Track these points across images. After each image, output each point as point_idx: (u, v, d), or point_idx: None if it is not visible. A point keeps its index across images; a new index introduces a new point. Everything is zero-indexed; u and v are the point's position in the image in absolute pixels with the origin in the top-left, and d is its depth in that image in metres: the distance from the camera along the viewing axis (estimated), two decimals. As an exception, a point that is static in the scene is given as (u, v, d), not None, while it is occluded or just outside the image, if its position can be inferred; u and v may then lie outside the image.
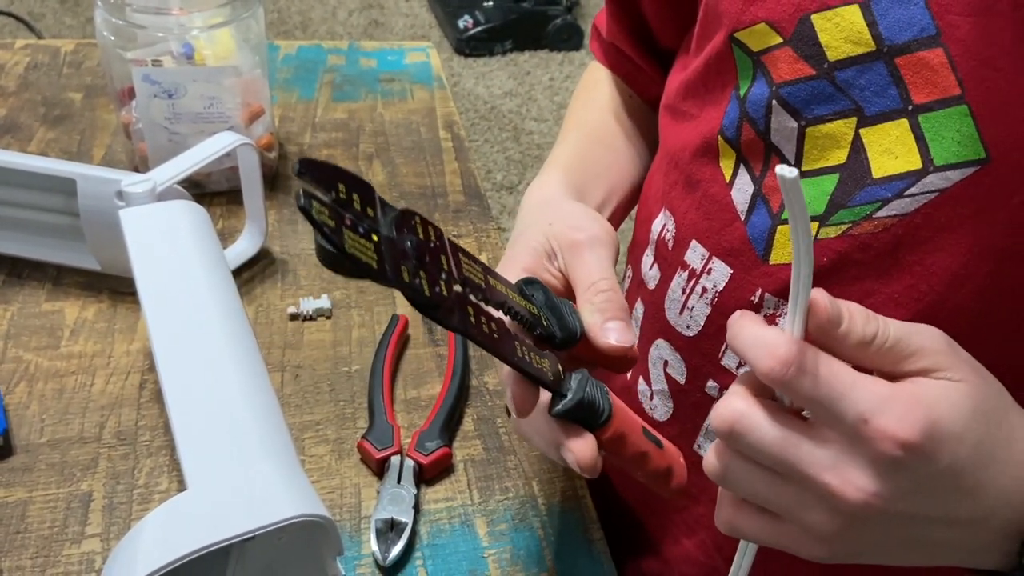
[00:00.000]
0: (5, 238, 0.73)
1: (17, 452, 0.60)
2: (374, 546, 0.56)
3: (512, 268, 0.47)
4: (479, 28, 2.86)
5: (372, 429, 0.63)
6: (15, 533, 0.55)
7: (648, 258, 0.61)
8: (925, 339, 0.35)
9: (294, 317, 0.74)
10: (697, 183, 0.54)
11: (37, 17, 2.72)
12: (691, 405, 0.57)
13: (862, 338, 0.34)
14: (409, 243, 0.34)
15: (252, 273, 0.78)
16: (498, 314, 0.39)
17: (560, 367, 0.42)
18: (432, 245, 0.35)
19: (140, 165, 0.83)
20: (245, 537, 0.44)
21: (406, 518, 0.57)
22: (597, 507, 0.62)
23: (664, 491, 0.47)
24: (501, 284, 0.40)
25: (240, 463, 0.47)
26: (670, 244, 0.57)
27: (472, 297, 0.37)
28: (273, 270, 0.79)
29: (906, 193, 0.44)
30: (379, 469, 0.61)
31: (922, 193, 0.44)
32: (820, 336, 0.34)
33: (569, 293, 0.47)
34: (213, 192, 0.86)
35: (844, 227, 0.46)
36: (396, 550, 0.55)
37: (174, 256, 0.59)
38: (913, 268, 0.45)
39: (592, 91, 0.73)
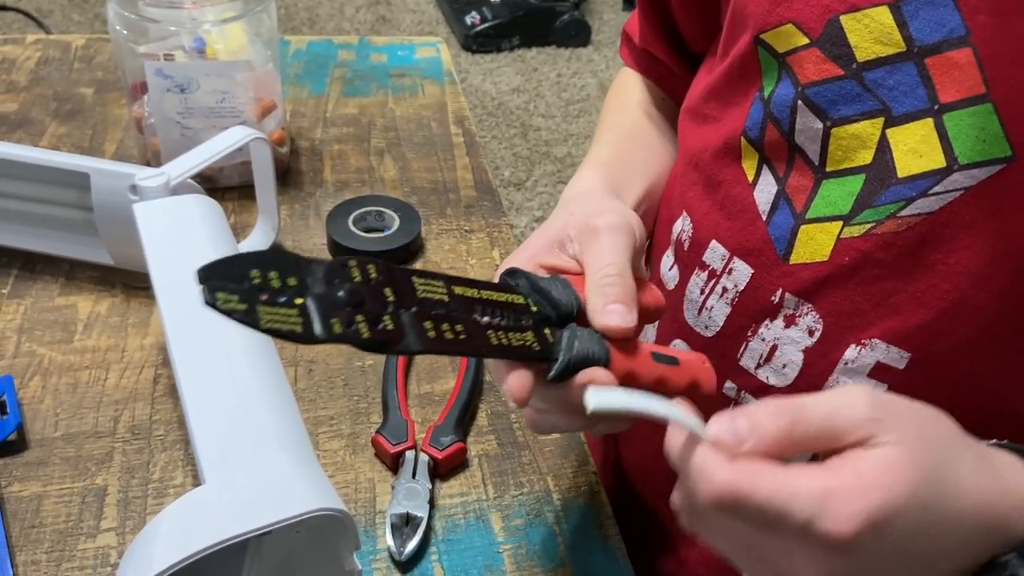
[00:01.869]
0: (18, 232, 0.73)
1: (31, 446, 0.60)
2: (389, 541, 0.56)
3: (521, 255, 0.48)
4: (486, 24, 2.85)
5: (386, 424, 0.63)
6: (30, 527, 0.55)
7: (668, 259, 0.61)
8: (848, 415, 0.35)
9: (307, 312, 0.74)
10: (718, 184, 0.54)
11: (46, 13, 2.73)
12: (709, 406, 0.54)
13: (777, 441, 0.34)
14: (342, 292, 0.34)
15: (264, 268, 0.78)
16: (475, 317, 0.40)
17: (548, 331, 0.43)
18: (372, 283, 0.36)
19: (152, 160, 0.83)
20: (262, 532, 0.43)
21: (421, 513, 0.57)
22: (613, 504, 0.62)
23: (696, 401, 0.47)
24: (473, 288, 0.41)
25: (256, 457, 0.47)
26: (686, 245, 0.57)
27: (434, 312, 0.38)
28: (285, 265, 0.79)
29: (930, 192, 0.44)
30: (394, 464, 0.61)
31: (946, 191, 0.44)
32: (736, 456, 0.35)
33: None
34: (225, 187, 0.85)
35: (868, 226, 0.46)
36: (412, 545, 0.55)
37: (188, 250, 0.59)
38: (936, 267, 0.45)
39: (624, 94, 0.73)
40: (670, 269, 0.60)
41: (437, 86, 1.08)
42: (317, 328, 0.33)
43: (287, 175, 0.89)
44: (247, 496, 0.44)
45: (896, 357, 0.47)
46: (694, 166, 0.58)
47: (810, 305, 0.49)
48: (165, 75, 0.76)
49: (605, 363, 0.43)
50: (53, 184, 0.70)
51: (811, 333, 0.50)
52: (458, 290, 0.40)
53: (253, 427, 0.48)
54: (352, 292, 0.34)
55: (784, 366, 0.51)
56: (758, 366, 0.53)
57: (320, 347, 0.70)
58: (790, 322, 0.50)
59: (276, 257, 0.33)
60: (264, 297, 0.32)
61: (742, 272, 0.52)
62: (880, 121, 0.45)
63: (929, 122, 0.43)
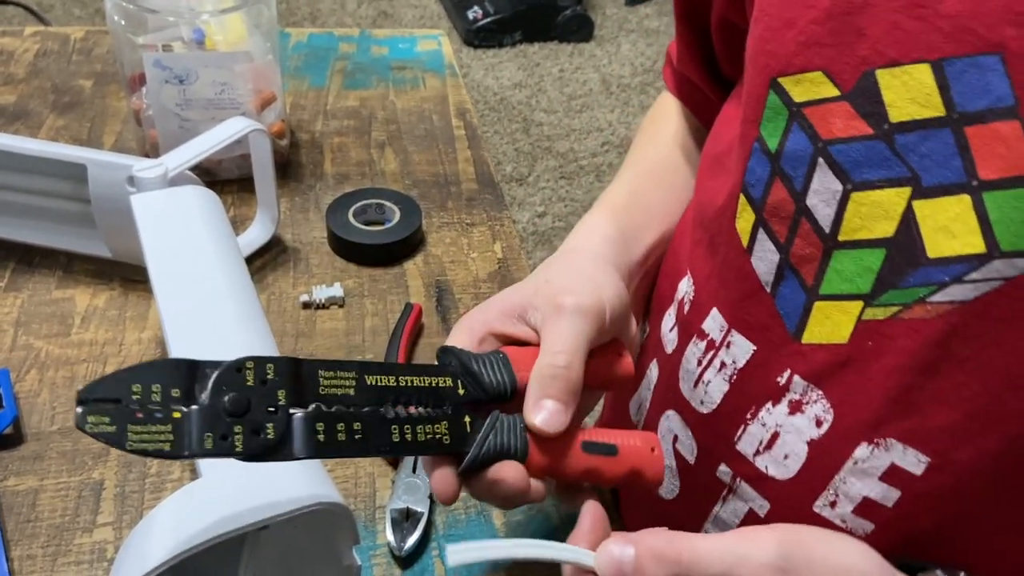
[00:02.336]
0: (15, 225, 0.73)
1: (28, 440, 0.59)
2: (390, 536, 0.55)
3: (478, 317, 0.46)
4: (488, 19, 2.84)
5: (386, 418, 0.62)
6: (25, 522, 0.55)
7: (669, 319, 0.56)
8: (753, 570, 0.33)
9: (306, 306, 0.73)
10: (718, 246, 0.50)
11: (46, 8, 2.72)
12: (699, 487, 0.52)
13: None
14: (226, 400, 0.34)
15: (264, 261, 0.78)
16: (388, 409, 0.39)
17: (468, 419, 0.41)
18: (268, 384, 0.35)
19: (151, 152, 0.83)
20: (260, 526, 0.43)
21: (422, 508, 0.56)
22: (617, 498, 0.61)
23: (638, 491, 0.45)
24: (390, 376, 0.39)
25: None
26: (687, 308, 0.53)
27: (334, 409, 0.37)
28: (285, 258, 0.78)
29: (966, 278, 0.39)
30: (394, 458, 0.60)
31: (985, 280, 0.39)
32: None
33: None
34: (224, 180, 0.85)
35: (894, 309, 0.41)
36: (412, 540, 0.55)
37: (186, 241, 0.58)
38: (966, 363, 0.40)
39: (659, 123, 0.68)
40: (670, 331, 0.56)
41: (439, 79, 1.07)
42: (187, 445, 0.33)
43: (287, 168, 0.89)
44: (245, 490, 0.44)
45: (913, 461, 0.42)
46: (700, 221, 0.53)
47: (820, 392, 0.44)
48: (164, 66, 0.76)
49: (522, 457, 0.41)
50: (50, 176, 0.69)
51: (819, 423, 0.45)
52: (370, 380, 0.38)
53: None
54: (235, 401, 0.34)
55: (786, 457, 0.46)
56: (756, 453, 0.48)
57: (319, 342, 0.70)
58: (795, 408, 0.46)
59: (166, 367, 0.34)
60: (139, 415, 0.32)
61: (741, 347, 0.48)
62: (907, 191, 0.40)
63: (966, 199, 0.38)
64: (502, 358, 0.43)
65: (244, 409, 0.34)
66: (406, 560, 0.55)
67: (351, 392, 0.37)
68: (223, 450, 0.34)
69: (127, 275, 0.73)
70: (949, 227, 0.39)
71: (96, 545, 0.54)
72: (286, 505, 0.42)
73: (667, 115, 0.68)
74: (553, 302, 0.44)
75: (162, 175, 0.62)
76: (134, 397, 0.32)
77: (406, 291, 0.76)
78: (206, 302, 0.53)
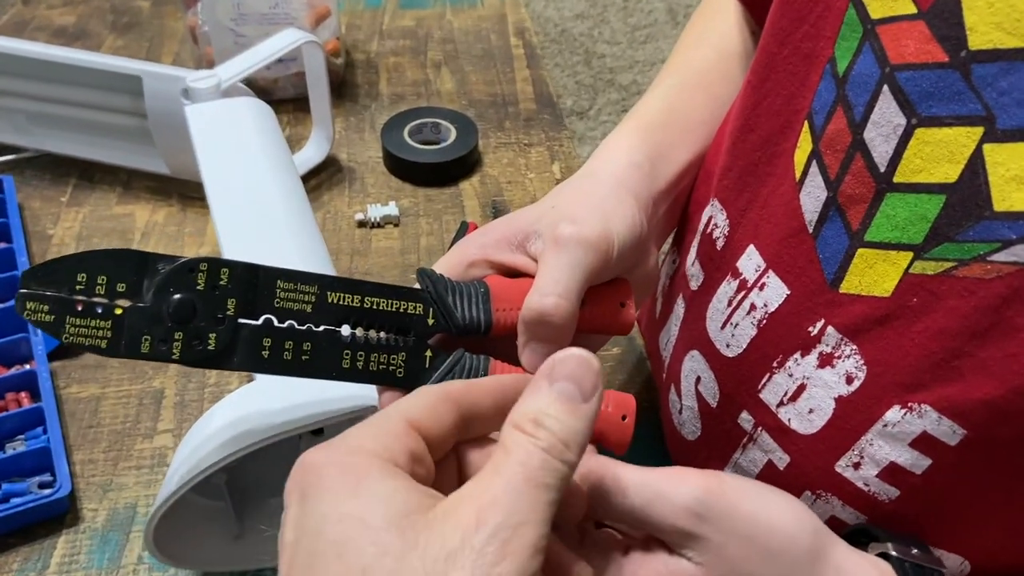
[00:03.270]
0: (75, 141, 0.73)
1: (90, 349, 0.60)
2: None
3: (475, 241, 0.41)
4: (550, -52, 2.76)
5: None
6: (88, 428, 0.56)
7: (693, 252, 0.51)
8: (661, 514, 0.32)
9: (362, 224, 0.73)
10: (766, 176, 0.44)
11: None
12: (720, 432, 0.49)
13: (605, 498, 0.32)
14: (168, 303, 0.33)
15: (319, 180, 0.77)
16: (347, 331, 0.36)
17: (429, 354, 0.38)
18: (217, 292, 0.33)
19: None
20: (313, 428, 0.43)
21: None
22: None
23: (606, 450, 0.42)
24: (354, 295, 0.36)
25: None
26: (719, 243, 0.48)
27: (289, 324, 0.35)
28: (340, 178, 0.78)
29: None
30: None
31: None
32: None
33: None
34: (280, 100, 0.84)
35: (948, 265, 0.37)
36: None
37: (240, 151, 0.57)
38: (1020, 333, 0.35)
39: (708, 22, 0.60)
40: (692, 265, 0.51)
41: (497, -2, 1.04)
42: (124, 346, 0.32)
43: (342, 88, 0.87)
44: (298, 393, 0.44)
45: (948, 431, 0.38)
46: (742, 146, 0.47)
47: (855, 347, 0.40)
48: (218, -20, 0.74)
49: None
50: (108, 90, 0.69)
51: (849, 380, 0.41)
52: (332, 297, 0.36)
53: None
54: (180, 304, 0.33)
55: (811, 411, 0.43)
56: (780, 404, 0.44)
57: (374, 260, 0.69)
58: (826, 362, 0.42)
59: (116, 257, 0.32)
60: (80, 307, 0.31)
61: (775, 290, 0.43)
62: (978, 132, 0.35)
63: None
64: (483, 291, 0.39)
65: (189, 314, 0.33)
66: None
67: (308, 308, 0.35)
68: (159, 355, 0.33)
69: (185, 192, 0.73)
70: (1023, 177, 0.34)
71: (156, 451, 0.55)
72: (339, 405, 0.42)
73: (716, 14, 0.60)
74: (552, 232, 0.39)
75: (215, 86, 0.61)
76: (78, 287, 0.32)
77: (462, 211, 0.75)
78: (259, 211, 0.53)
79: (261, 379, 0.44)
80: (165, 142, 0.67)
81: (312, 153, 0.76)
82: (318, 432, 0.48)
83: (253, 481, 0.50)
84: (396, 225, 0.73)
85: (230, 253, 0.50)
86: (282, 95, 0.84)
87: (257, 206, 0.53)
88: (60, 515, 0.51)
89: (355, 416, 0.42)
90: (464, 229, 0.70)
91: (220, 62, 0.77)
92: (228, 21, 0.76)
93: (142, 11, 0.95)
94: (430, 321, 0.37)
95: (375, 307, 0.37)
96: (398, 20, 0.99)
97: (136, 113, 0.69)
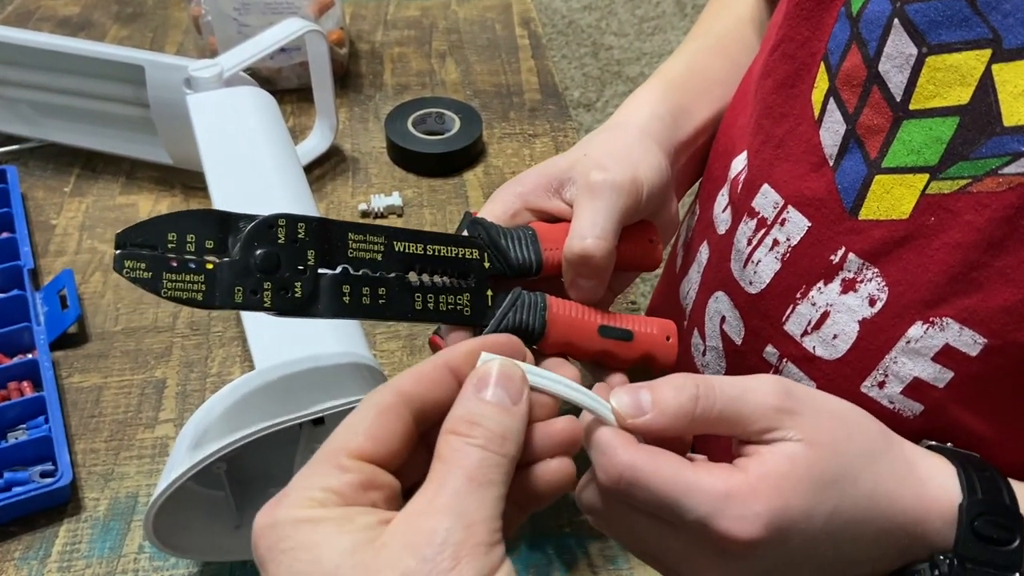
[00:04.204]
0: (79, 131, 0.73)
1: (92, 339, 0.60)
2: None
3: (513, 189, 0.44)
4: (557, -61, 2.75)
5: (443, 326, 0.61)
6: (89, 417, 0.55)
7: (723, 199, 0.54)
8: (755, 402, 0.33)
9: (365, 214, 0.72)
10: (781, 117, 0.47)
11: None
12: (747, 369, 0.51)
13: (677, 415, 0.33)
14: (255, 257, 0.34)
15: (323, 170, 0.77)
16: (416, 276, 0.39)
17: (490, 294, 0.41)
18: (297, 243, 0.35)
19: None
20: (313, 417, 0.42)
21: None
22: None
23: (651, 373, 0.44)
24: (418, 244, 0.39)
25: (309, 345, 0.45)
26: (740, 186, 0.50)
27: (360, 271, 0.37)
28: (344, 168, 0.77)
29: None
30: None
31: None
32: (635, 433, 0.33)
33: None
34: (283, 89, 0.84)
35: (963, 182, 0.39)
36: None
37: (242, 140, 0.57)
38: None
39: None
40: (723, 211, 0.53)
41: (502, -12, 1.03)
42: (218, 296, 0.34)
43: (346, 78, 0.87)
44: (299, 383, 0.43)
45: (969, 341, 0.40)
46: (760, 90, 0.50)
47: (876, 270, 0.42)
48: (221, -31, 0.74)
49: (539, 336, 0.41)
50: (111, 79, 0.69)
51: (872, 302, 0.43)
52: (398, 246, 0.38)
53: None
54: (266, 257, 0.35)
55: (835, 337, 0.45)
56: (804, 333, 0.46)
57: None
58: (848, 287, 0.44)
59: (201, 217, 0.34)
60: (174, 263, 0.33)
61: (796, 224, 0.45)
62: (987, 53, 0.37)
63: None
64: (531, 234, 0.42)
65: (274, 266, 0.35)
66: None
67: (378, 257, 0.38)
68: (252, 304, 0.34)
69: (188, 182, 0.73)
70: None
71: (158, 440, 0.55)
72: (340, 397, 0.42)
73: None
74: (585, 179, 0.42)
75: (218, 75, 0.61)
76: (169, 245, 0.33)
77: (465, 201, 0.74)
78: (261, 200, 0.53)
79: (262, 367, 0.44)
80: (168, 132, 0.67)
81: (316, 143, 0.76)
82: (319, 421, 0.47)
83: (254, 471, 0.50)
84: (399, 215, 0.73)
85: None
86: (286, 85, 0.84)
87: (259, 196, 0.53)
88: (62, 504, 0.51)
89: (355, 407, 0.42)
90: (467, 220, 0.70)
91: (223, 51, 0.77)
92: (231, 10, 0.76)
93: (146, 1, 0.95)
94: (486, 264, 0.41)
95: (436, 254, 0.39)
96: (403, 10, 0.98)
97: (139, 103, 0.69)
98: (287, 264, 0.35)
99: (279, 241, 0.35)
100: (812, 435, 0.33)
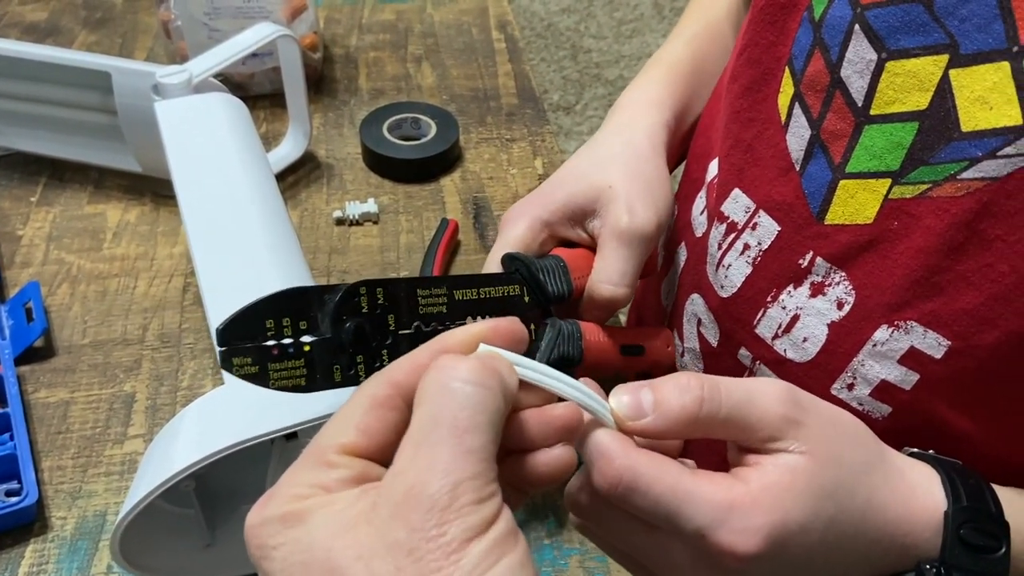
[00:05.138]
0: (45, 139, 0.71)
1: (59, 353, 0.59)
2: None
3: (539, 214, 0.47)
4: (535, -58, 2.74)
5: (420, 334, 0.60)
6: (56, 433, 0.54)
7: (700, 201, 0.54)
8: (761, 408, 0.32)
9: (340, 222, 0.71)
10: (749, 122, 0.47)
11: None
12: (722, 371, 0.51)
13: (680, 418, 0.32)
14: (345, 332, 0.36)
15: (297, 177, 0.75)
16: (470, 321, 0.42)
17: (533, 327, 0.45)
18: (377, 312, 0.38)
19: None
20: (285, 434, 0.41)
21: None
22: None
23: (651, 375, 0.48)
24: (471, 290, 0.42)
25: (279, 359, 0.44)
26: (715, 191, 0.51)
27: (431, 327, 0.40)
28: (319, 174, 0.76)
29: (1000, 153, 0.36)
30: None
31: (1019, 155, 0.36)
32: (636, 431, 0.32)
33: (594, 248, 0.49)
34: (256, 95, 0.82)
35: (923, 187, 0.39)
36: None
37: (211, 148, 0.56)
38: (994, 244, 0.38)
39: None
40: (700, 213, 0.54)
41: (478, -9, 1.02)
42: (320, 380, 0.36)
43: (320, 83, 0.86)
44: (269, 397, 0.42)
45: (933, 344, 0.41)
46: (728, 94, 0.50)
47: (843, 274, 0.43)
48: (190, -27, 0.73)
49: (578, 361, 0.45)
50: (77, 87, 0.68)
51: (840, 306, 0.43)
52: (458, 295, 0.41)
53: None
54: (356, 331, 0.36)
55: (805, 340, 0.45)
56: (775, 336, 0.47)
57: (352, 259, 0.68)
58: (817, 291, 0.44)
59: (290, 297, 0.35)
60: (275, 352, 0.34)
61: (767, 229, 0.46)
62: (944, 59, 0.37)
63: (1005, 67, 0.35)
64: (562, 266, 0.46)
65: (362, 338, 0.37)
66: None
67: (444, 309, 0.40)
68: (350, 381, 0.36)
69: (159, 190, 0.71)
70: (985, 97, 0.36)
71: (127, 456, 0.53)
72: (311, 412, 0.41)
73: None
74: (613, 220, 0.46)
75: (186, 81, 0.60)
76: (268, 333, 0.34)
77: (442, 207, 0.74)
78: (230, 209, 0.51)
79: (232, 382, 0.43)
80: (136, 139, 0.66)
81: (289, 149, 0.75)
82: (291, 436, 0.46)
83: (224, 487, 0.49)
84: (375, 223, 0.72)
85: (200, 254, 0.49)
86: (258, 90, 0.82)
87: (228, 205, 0.52)
88: (28, 524, 0.50)
89: (327, 420, 0.41)
90: (444, 227, 0.69)
91: (194, 57, 0.76)
92: (201, 15, 0.75)
93: (115, 6, 0.93)
94: (526, 299, 0.45)
95: (487, 296, 0.43)
96: (378, 14, 0.97)
97: (107, 110, 0.67)
98: (373, 332, 0.37)
99: (363, 310, 0.37)
100: (814, 447, 0.33)
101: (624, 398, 0.32)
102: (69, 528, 0.50)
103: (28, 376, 0.57)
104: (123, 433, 0.54)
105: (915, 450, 0.40)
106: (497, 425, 0.27)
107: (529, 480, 0.31)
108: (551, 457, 0.31)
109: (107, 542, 0.50)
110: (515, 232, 0.47)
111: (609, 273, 0.46)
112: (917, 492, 0.36)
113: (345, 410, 0.29)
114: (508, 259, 0.46)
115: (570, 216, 0.48)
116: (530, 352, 0.41)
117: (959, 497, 0.36)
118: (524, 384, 0.31)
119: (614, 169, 0.49)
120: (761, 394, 0.33)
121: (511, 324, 0.32)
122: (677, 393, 0.32)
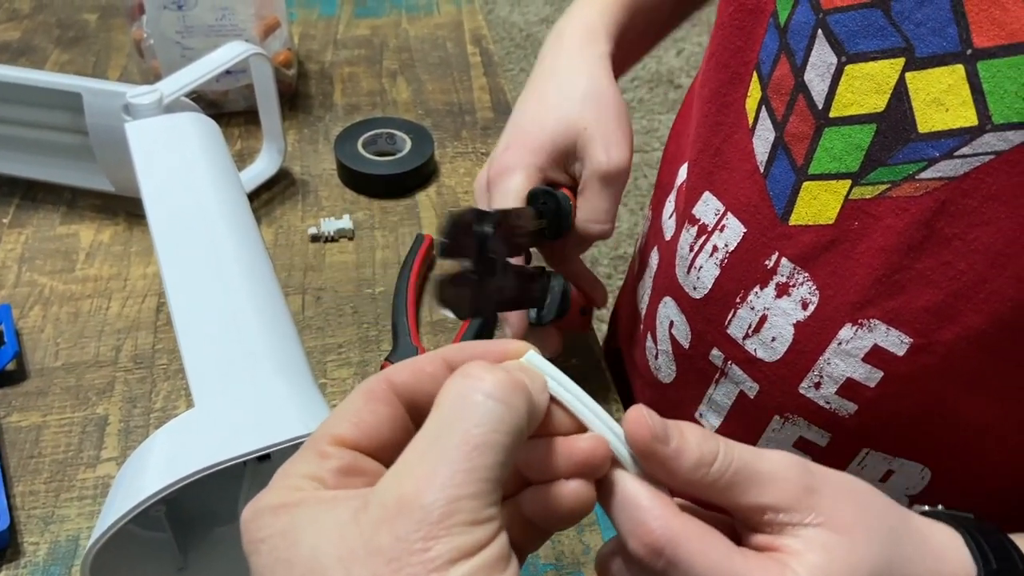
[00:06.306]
0: (17, 160, 0.71)
1: (31, 376, 0.58)
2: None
3: (530, 158, 0.51)
4: (513, -47, 2.76)
5: (396, 351, 0.60)
6: (28, 458, 0.54)
7: (670, 205, 0.56)
8: (774, 467, 0.30)
9: (315, 239, 0.71)
10: (718, 125, 0.48)
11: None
12: (694, 371, 0.53)
13: (700, 459, 0.29)
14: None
15: (272, 194, 0.75)
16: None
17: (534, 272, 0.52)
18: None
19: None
20: (258, 455, 0.41)
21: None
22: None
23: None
24: (520, 225, 0.49)
25: (250, 381, 0.44)
26: (683, 195, 0.52)
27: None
28: (293, 191, 0.76)
29: (956, 153, 0.37)
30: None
31: (975, 155, 0.37)
32: (648, 460, 0.29)
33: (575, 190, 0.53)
34: (231, 112, 0.82)
35: (883, 187, 0.40)
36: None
37: (181, 168, 0.56)
38: (952, 242, 0.38)
39: None
40: (669, 217, 0.55)
41: (453, 5, 1.03)
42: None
43: (295, 99, 0.86)
44: (240, 419, 0.42)
45: (896, 342, 0.41)
46: (698, 98, 0.51)
47: (807, 274, 0.44)
48: (162, -8, 0.73)
49: (565, 312, 0.52)
50: (48, 107, 0.67)
51: (805, 306, 0.44)
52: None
53: (247, 351, 0.46)
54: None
55: (773, 339, 0.46)
56: (746, 336, 0.47)
57: (328, 275, 0.68)
58: (783, 291, 0.45)
59: (466, 221, 0.45)
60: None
61: (734, 230, 0.47)
62: (900, 62, 0.38)
63: (959, 69, 0.36)
64: (569, 203, 0.52)
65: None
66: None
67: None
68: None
69: (132, 210, 0.71)
70: (941, 99, 0.37)
71: (100, 480, 0.53)
72: (283, 434, 0.40)
73: None
74: (595, 164, 0.51)
75: (157, 101, 0.60)
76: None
77: (418, 223, 0.74)
78: (201, 230, 0.51)
79: (203, 405, 0.42)
80: (108, 160, 0.66)
81: (263, 167, 0.75)
82: (264, 457, 0.46)
83: (197, 510, 0.49)
84: (351, 239, 0.72)
85: (170, 274, 0.49)
86: (233, 108, 0.82)
87: (198, 225, 0.52)
88: (0, 550, 0.49)
89: (301, 442, 0.40)
90: (420, 242, 0.69)
91: (167, 75, 0.75)
92: (174, 34, 0.75)
93: (88, 25, 0.93)
94: (546, 230, 0.51)
95: (525, 231, 0.50)
96: (353, 29, 0.97)
97: (78, 131, 0.67)
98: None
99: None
100: (833, 520, 0.30)
101: (650, 414, 0.29)
102: (42, 553, 0.49)
103: (0, 400, 0.57)
104: (96, 456, 0.54)
105: (927, 508, 0.38)
106: (512, 447, 0.25)
107: (548, 514, 0.29)
108: (569, 490, 0.28)
109: (79, 567, 0.49)
110: (515, 182, 0.51)
111: (597, 212, 0.51)
112: (946, 557, 0.33)
113: (343, 404, 0.29)
114: (542, 193, 0.51)
115: (556, 160, 0.52)
116: (540, 303, 0.51)
117: (988, 560, 0.34)
118: (558, 405, 0.29)
119: (586, 109, 0.52)
120: (775, 456, 0.31)
121: (518, 348, 0.30)
122: (698, 438, 0.29)
